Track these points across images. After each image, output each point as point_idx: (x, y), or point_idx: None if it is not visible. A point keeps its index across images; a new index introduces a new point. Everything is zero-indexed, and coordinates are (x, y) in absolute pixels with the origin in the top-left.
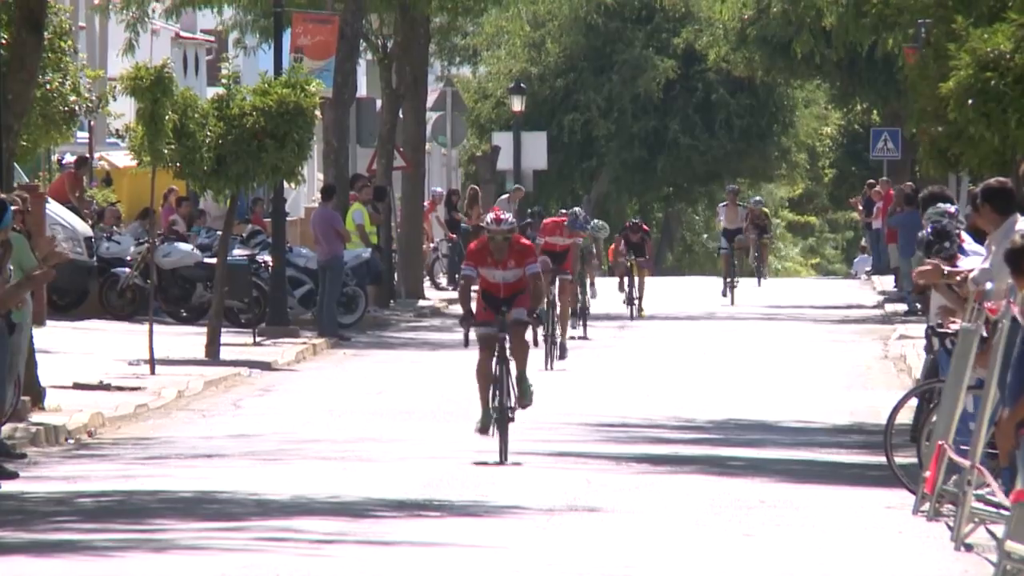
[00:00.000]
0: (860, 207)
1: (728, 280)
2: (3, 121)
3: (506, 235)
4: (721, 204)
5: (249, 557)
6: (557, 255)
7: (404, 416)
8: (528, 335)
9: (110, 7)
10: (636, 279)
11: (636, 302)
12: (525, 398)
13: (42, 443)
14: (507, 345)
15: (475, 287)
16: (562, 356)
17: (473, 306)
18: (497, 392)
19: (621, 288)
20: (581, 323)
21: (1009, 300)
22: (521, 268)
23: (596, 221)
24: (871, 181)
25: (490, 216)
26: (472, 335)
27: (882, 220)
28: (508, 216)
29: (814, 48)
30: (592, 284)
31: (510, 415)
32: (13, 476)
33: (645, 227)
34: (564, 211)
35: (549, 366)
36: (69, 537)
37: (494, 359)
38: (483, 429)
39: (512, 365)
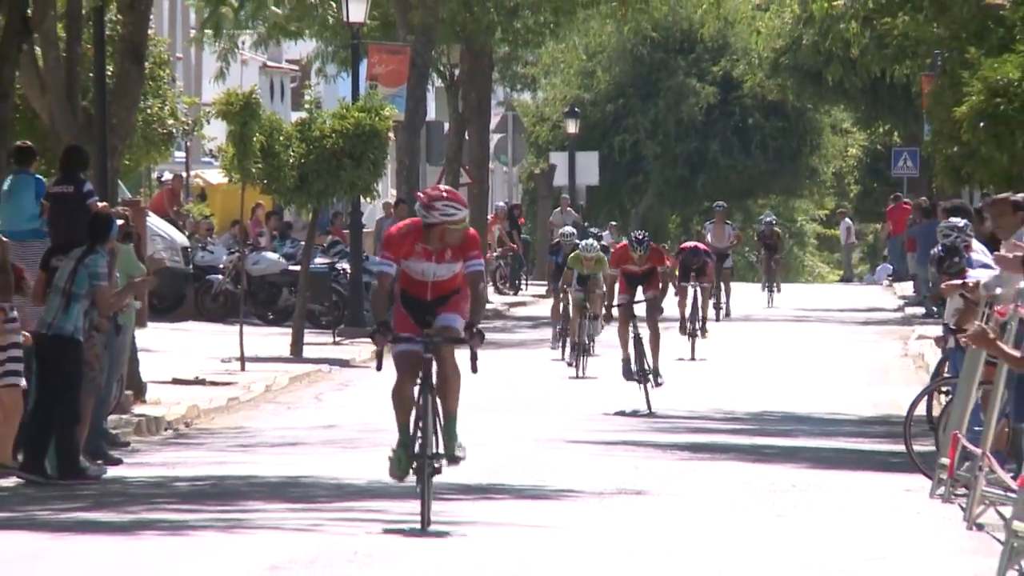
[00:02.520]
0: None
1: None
2: (108, 143)
3: (455, 224)
4: (708, 222)
5: (329, 537)
6: (639, 279)
7: (470, 408)
8: (462, 358)
9: (204, 39)
10: (700, 305)
11: (699, 334)
12: (452, 449)
13: (144, 433)
14: (433, 370)
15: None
16: (658, 383)
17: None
18: (420, 432)
19: (683, 328)
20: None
21: (1017, 304)
22: (458, 262)
23: (589, 241)
24: (897, 194)
25: (427, 194)
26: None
27: (891, 235)
28: (462, 202)
29: (842, 76)
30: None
31: (436, 464)
32: (117, 462)
33: (704, 247)
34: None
35: (649, 409)
36: (165, 517)
37: (416, 385)
38: (398, 472)
39: (439, 402)
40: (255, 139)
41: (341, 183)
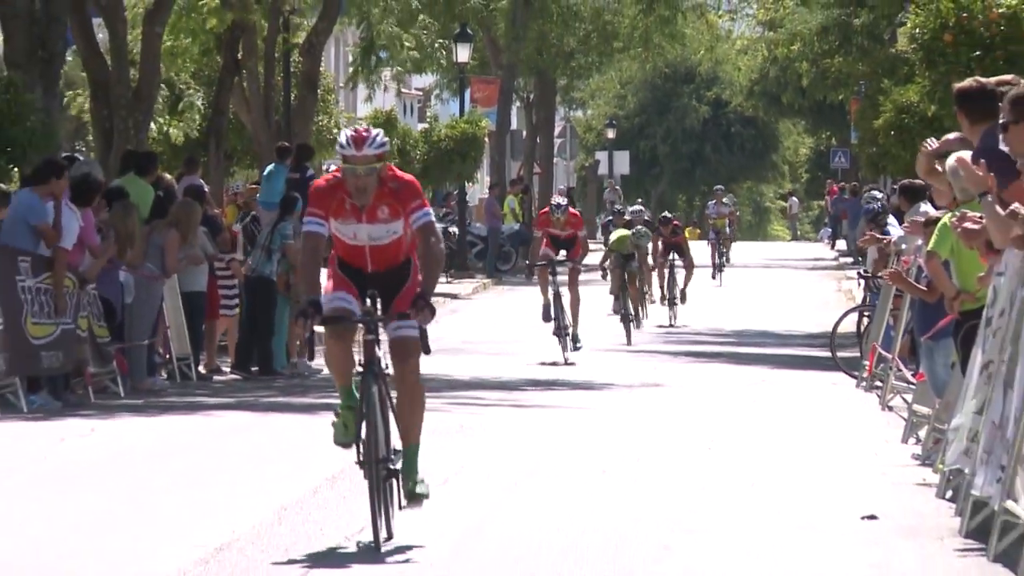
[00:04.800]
0: (826, 199)
1: (716, 264)
2: (292, 144)
3: (372, 166)
4: (711, 200)
5: (443, 415)
6: (563, 243)
7: (541, 328)
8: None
9: (359, 76)
10: (679, 283)
11: (676, 304)
12: (413, 486)
13: (319, 343)
14: (380, 355)
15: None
16: (575, 347)
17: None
18: (367, 429)
19: (662, 300)
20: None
21: (916, 255)
22: (399, 219)
23: (640, 228)
24: (829, 180)
25: (347, 134)
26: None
27: (830, 209)
28: (377, 133)
29: (795, 99)
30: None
31: (391, 467)
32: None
33: (676, 221)
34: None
35: (565, 360)
36: (332, 401)
37: (357, 357)
38: (343, 437)
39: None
40: (393, 142)
41: (452, 172)
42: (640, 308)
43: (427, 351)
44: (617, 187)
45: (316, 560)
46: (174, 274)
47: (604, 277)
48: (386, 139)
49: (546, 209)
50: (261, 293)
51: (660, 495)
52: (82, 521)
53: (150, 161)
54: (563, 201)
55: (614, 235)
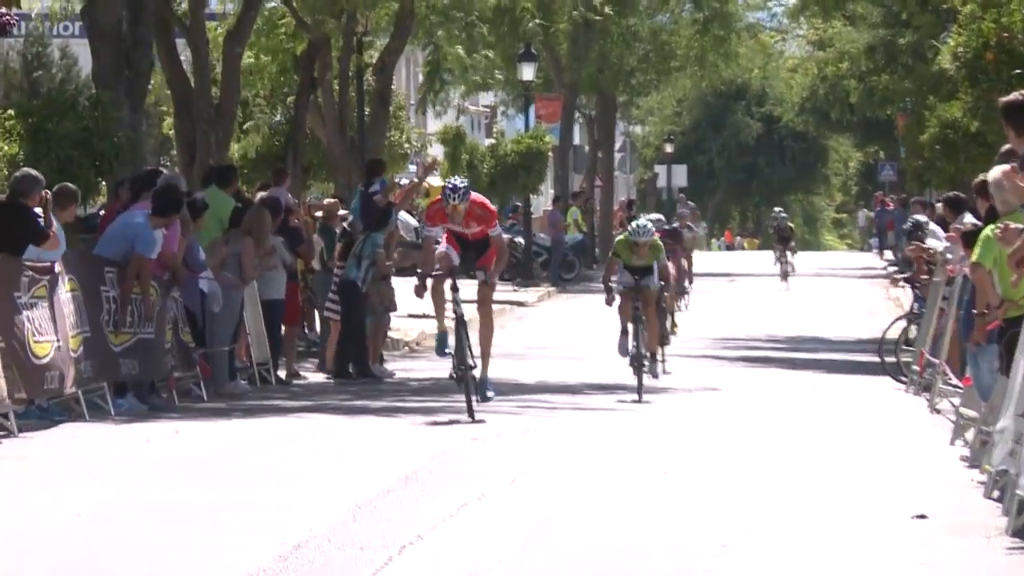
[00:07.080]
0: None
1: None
2: (365, 160)
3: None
4: (675, 218)
5: (509, 417)
6: (471, 245)
7: (604, 333)
8: None
9: (428, 97)
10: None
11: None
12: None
13: (389, 349)
14: None
15: None
16: (483, 398)
17: None
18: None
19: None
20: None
21: (961, 264)
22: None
23: (639, 222)
24: (878, 193)
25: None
26: None
27: (876, 220)
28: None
29: (844, 115)
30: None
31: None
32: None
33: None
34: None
35: (470, 416)
36: (404, 405)
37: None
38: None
39: None
40: (462, 157)
41: (518, 185)
42: (659, 348)
43: None
44: (689, 202)
45: (389, 557)
46: (252, 280)
47: (608, 303)
48: None
49: (437, 198)
50: (348, 296)
51: (719, 495)
52: (167, 517)
53: (231, 173)
54: (461, 183)
55: (617, 239)
